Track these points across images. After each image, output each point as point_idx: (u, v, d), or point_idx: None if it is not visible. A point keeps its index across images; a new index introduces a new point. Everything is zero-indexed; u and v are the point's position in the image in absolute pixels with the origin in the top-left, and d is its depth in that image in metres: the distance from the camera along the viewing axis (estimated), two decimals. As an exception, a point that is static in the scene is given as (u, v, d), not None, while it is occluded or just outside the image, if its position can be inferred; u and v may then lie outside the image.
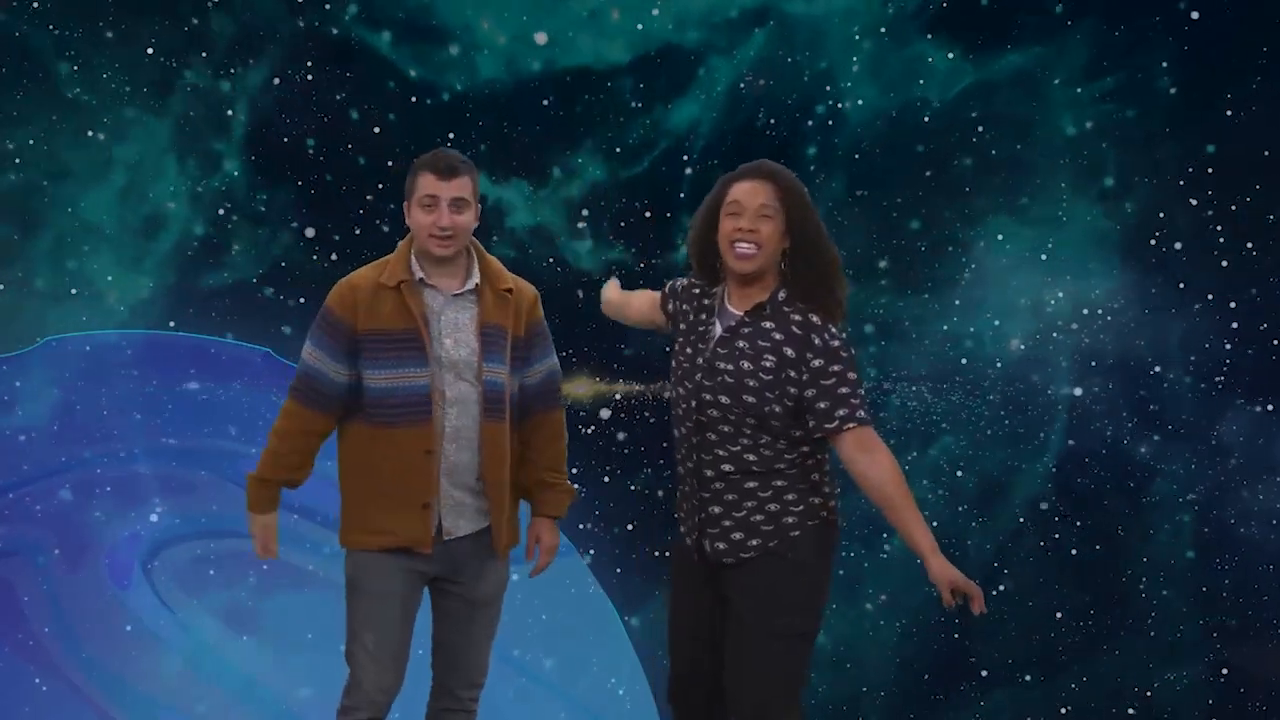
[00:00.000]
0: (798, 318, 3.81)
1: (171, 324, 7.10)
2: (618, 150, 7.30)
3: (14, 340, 6.95)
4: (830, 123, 7.12)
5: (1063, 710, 6.86)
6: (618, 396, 7.25)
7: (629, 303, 4.47)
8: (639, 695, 7.09)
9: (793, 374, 3.77)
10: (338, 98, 7.08)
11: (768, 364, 3.79)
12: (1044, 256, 6.99)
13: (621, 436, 7.25)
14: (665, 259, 7.24)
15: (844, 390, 3.75)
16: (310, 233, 7.07)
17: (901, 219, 7.11)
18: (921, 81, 7.05)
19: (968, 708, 6.93)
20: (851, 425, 3.74)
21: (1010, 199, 7.00)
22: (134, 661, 6.82)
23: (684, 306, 4.05)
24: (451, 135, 7.04)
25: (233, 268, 7.12)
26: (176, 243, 7.08)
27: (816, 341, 3.77)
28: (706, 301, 3.98)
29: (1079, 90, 6.97)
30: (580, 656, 7.14)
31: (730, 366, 3.82)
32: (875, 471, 3.73)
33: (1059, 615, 6.91)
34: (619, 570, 7.22)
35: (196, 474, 7.03)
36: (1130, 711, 6.83)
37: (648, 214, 7.27)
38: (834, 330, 3.81)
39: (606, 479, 7.24)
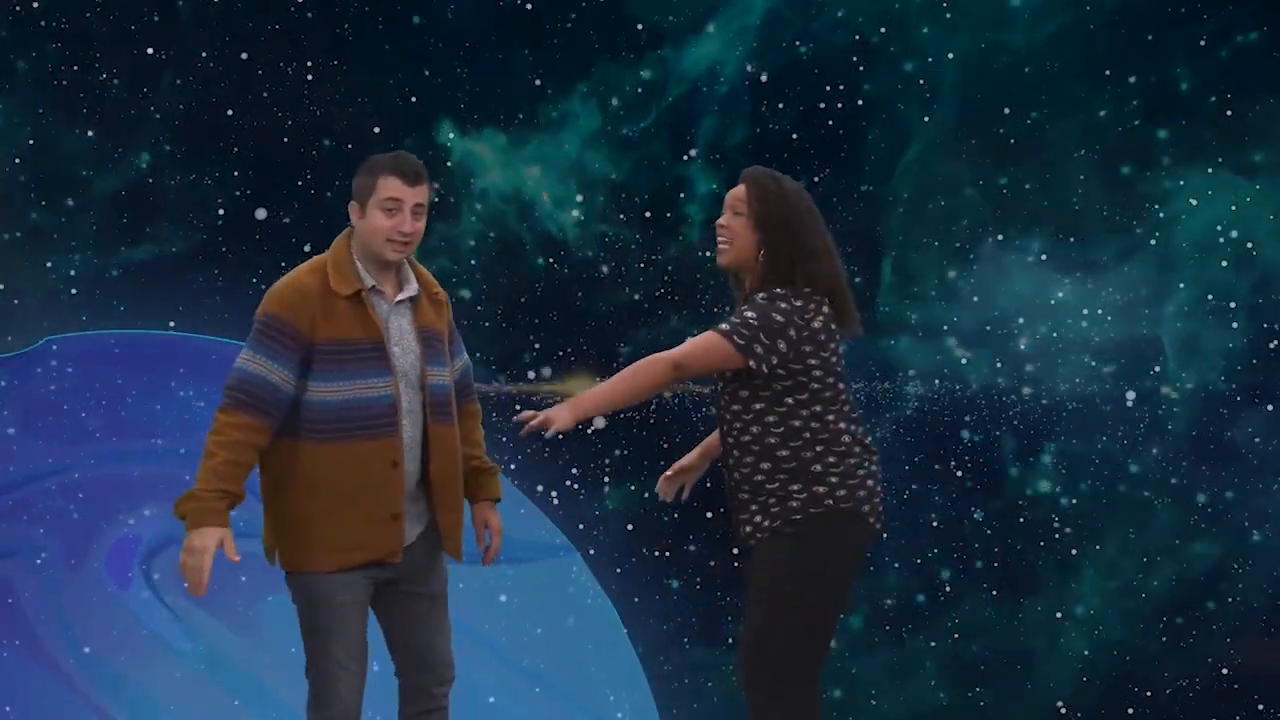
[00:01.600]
0: (759, 294, 4.06)
1: (171, 324, 7.10)
2: (614, 102, 7.25)
3: (14, 340, 6.95)
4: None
5: (1062, 710, 6.87)
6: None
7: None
8: (639, 695, 7.09)
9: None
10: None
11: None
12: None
13: (621, 437, 7.25)
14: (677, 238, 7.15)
15: (735, 319, 3.98)
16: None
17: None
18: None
19: (967, 708, 6.95)
20: (710, 333, 3.97)
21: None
22: (133, 661, 6.82)
23: None
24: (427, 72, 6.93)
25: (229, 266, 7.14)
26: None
27: (746, 304, 4.05)
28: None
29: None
30: (580, 657, 7.14)
31: None
32: (692, 349, 3.98)
33: (1058, 615, 6.92)
34: (619, 571, 7.23)
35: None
36: (1130, 711, 6.84)
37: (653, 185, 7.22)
38: (781, 292, 4.03)
39: (606, 479, 7.25)
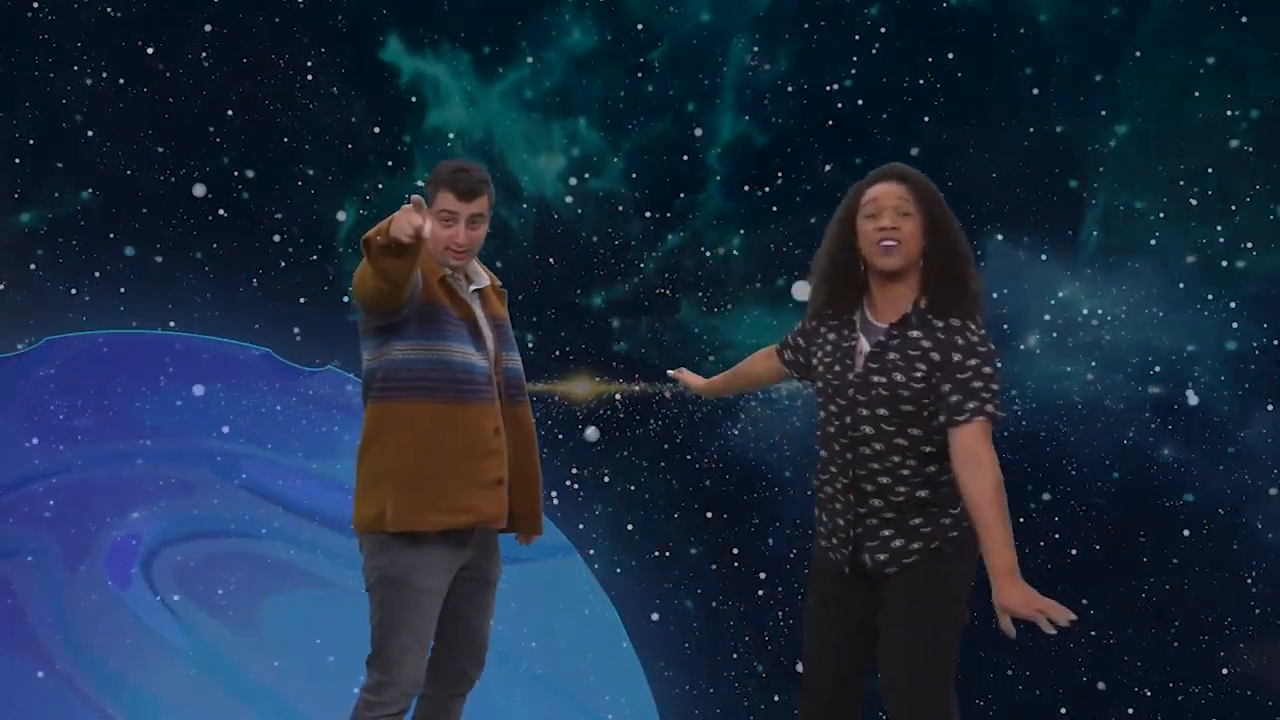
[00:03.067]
0: (940, 323, 3.90)
1: (171, 324, 7.10)
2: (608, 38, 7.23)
3: (14, 340, 6.95)
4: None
5: (1062, 710, 6.87)
6: (617, 396, 7.25)
7: (736, 375, 4.55)
8: (639, 695, 7.09)
9: (940, 376, 3.86)
10: None
11: (919, 373, 3.88)
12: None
13: (621, 437, 7.25)
14: (696, 209, 7.13)
15: (977, 384, 3.82)
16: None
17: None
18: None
19: (965, 708, 6.93)
20: (979, 418, 3.79)
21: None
22: (133, 661, 6.82)
23: (814, 342, 4.12)
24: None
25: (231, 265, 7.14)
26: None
27: (959, 341, 3.86)
28: (845, 320, 4.04)
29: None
30: (579, 657, 7.14)
31: (884, 379, 3.91)
32: (977, 483, 3.75)
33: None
34: (619, 571, 7.23)
35: (196, 474, 7.03)
36: (1130, 711, 6.84)
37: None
38: (974, 327, 3.90)
39: (606, 479, 7.25)
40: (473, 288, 4.28)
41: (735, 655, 7.10)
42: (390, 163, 7.14)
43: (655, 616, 7.15)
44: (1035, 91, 6.86)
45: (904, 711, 3.90)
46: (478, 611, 4.26)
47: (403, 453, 4.05)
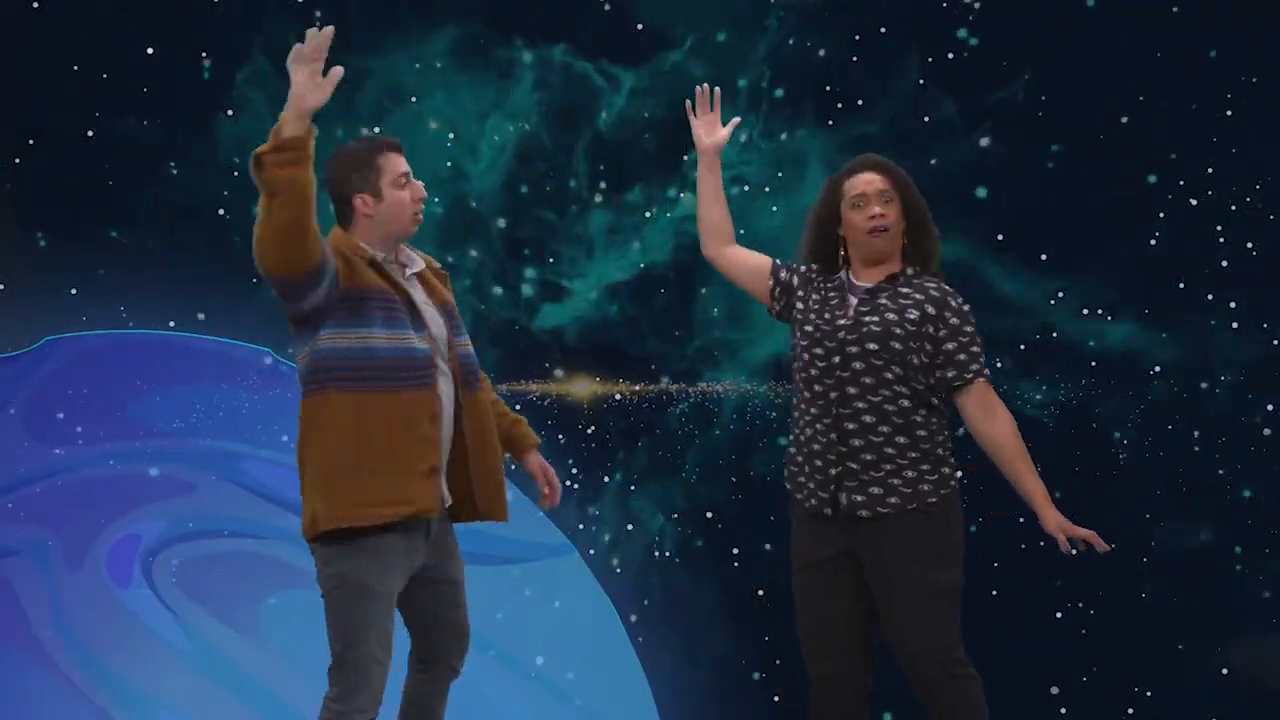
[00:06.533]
0: (930, 284, 4.25)
1: (171, 324, 7.10)
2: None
3: (14, 340, 6.95)
4: None
5: (1062, 710, 6.87)
6: (617, 396, 7.26)
7: (736, 254, 4.56)
8: (639, 696, 7.09)
9: (932, 329, 4.18)
10: None
11: (912, 316, 4.18)
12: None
13: (621, 436, 7.25)
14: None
15: (975, 349, 4.20)
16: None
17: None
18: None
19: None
20: (981, 377, 4.18)
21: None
22: (134, 661, 6.82)
23: (802, 286, 4.39)
24: None
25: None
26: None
27: (952, 304, 4.23)
28: (830, 282, 4.34)
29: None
30: (579, 657, 7.14)
31: (876, 318, 4.19)
32: (997, 426, 4.16)
33: (1059, 615, 6.91)
34: (619, 571, 7.23)
35: (196, 474, 7.03)
36: (1130, 711, 6.84)
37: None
38: (958, 295, 4.26)
39: (606, 478, 7.25)
40: (409, 271, 4.12)
41: (735, 655, 7.10)
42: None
43: (655, 616, 7.16)
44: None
45: (920, 673, 4.13)
46: (456, 607, 4.22)
47: (330, 449, 3.89)
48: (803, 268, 4.42)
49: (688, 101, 4.59)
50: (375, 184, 4.03)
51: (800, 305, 4.35)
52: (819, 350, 4.20)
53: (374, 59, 7.06)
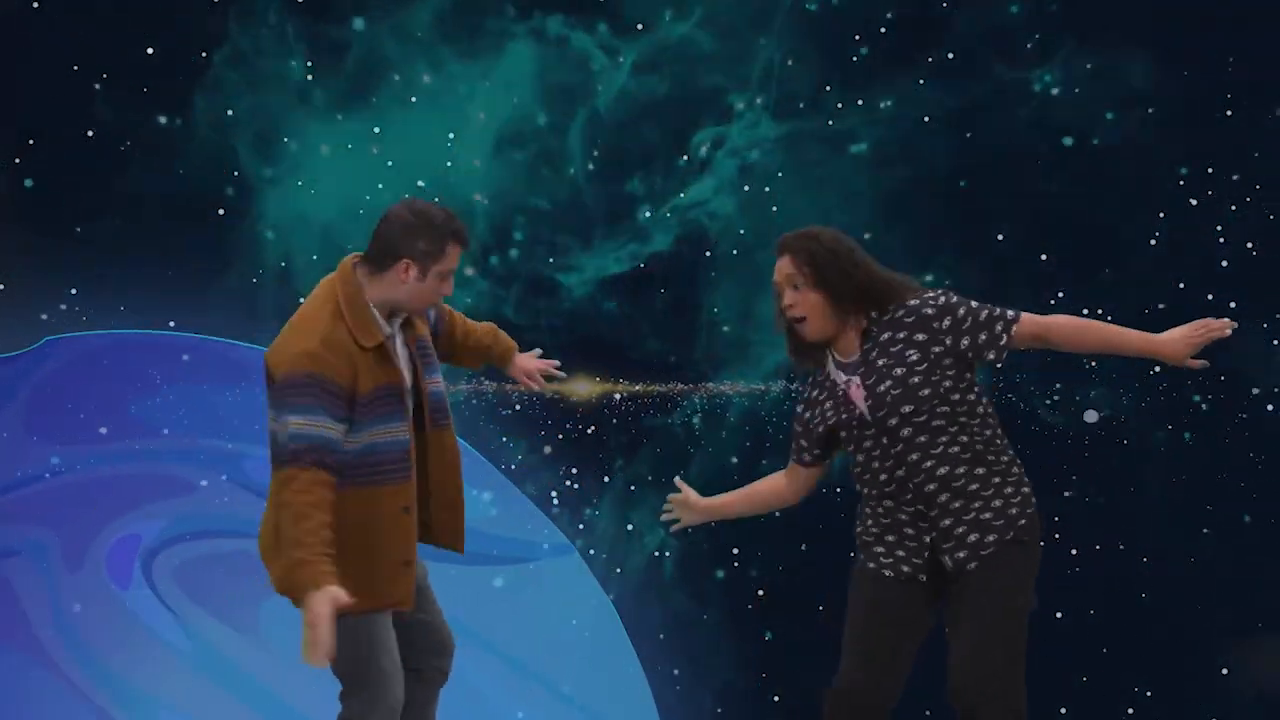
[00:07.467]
0: (902, 313, 4.00)
1: (171, 324, 7.10)
2: None
3: (14, 340, 6.95)
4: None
5: (1062, 710, 6.87)
6: (618, 396, 7.25)
7: (796, 479, 4.35)
8: (639, 696, 7.09)
9: (937, 348, 3.96)
10: None
11: (913, 356, 3.97)
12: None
13: (621, 436, 7.25)
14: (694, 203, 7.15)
15: (983, 313, 3.99)
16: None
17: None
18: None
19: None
20: (1014, 323, 3.97)
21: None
22: (134, 661, 6.82)
23: (809, 409, 4.18)
24: None
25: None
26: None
27: (927, 311, 4.00)
28: (825, 380, 4.12)
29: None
30: (579, 657, 7.14)
31: (887, 382, 3.97)
32: (1060, 324, 3.99)
33: (1059, 616, 6.91)
34: (619, 570, 7.22)
35: (197, 474, 7.03)
36: (1130, 711, 6.84)
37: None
38: (927, 293, 4.03)
39: (606, 479, 7.25)
40: (397, 321, 4.02)
41: (736, 656, 7.10)
42: (390, 162, 7.13)
43: (655, 616, 7.15)
44: None
45: (979, 696, 3.93)
46: (431, 613, 4.20)
47: None
48: (802, 399, 4.24)
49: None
50: (427, 264, 3.92)
51: (826, 424, 4.12)
52: (866, 443, 4.03)
53: (352, 30, 6.96)
